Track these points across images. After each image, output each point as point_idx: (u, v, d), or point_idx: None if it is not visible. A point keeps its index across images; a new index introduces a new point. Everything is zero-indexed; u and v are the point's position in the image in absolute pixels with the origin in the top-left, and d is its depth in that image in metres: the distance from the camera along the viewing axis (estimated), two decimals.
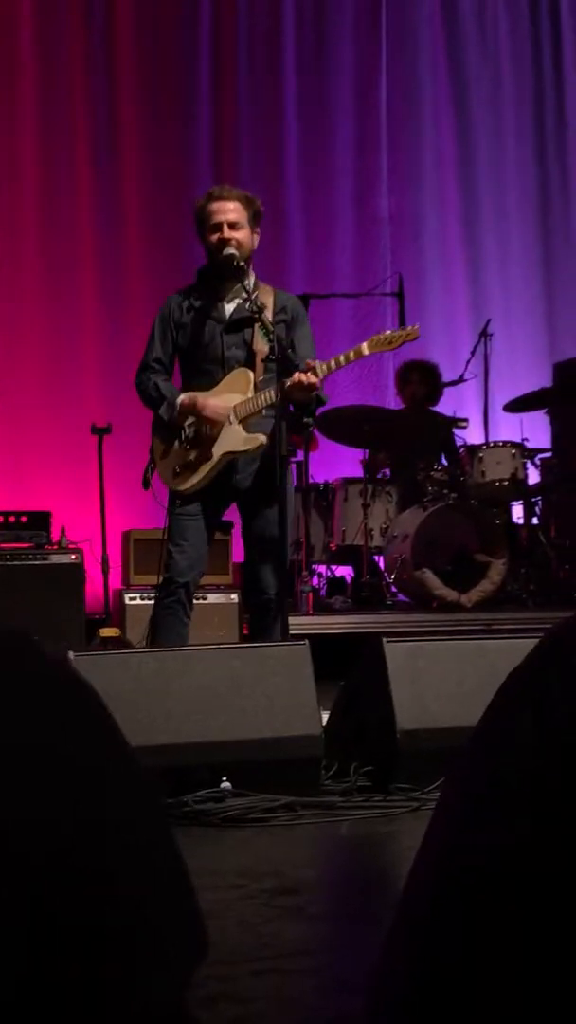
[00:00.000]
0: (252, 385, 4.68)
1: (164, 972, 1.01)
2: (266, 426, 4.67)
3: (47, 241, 8.59)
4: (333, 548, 7.61)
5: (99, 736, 1.14)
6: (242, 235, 4.72)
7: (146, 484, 4.88)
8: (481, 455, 7.43)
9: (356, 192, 9.36)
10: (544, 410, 7.98)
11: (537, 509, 7.79)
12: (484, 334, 8.05)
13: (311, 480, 7.49)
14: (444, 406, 7.99)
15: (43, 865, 0.97)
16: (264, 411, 4.66)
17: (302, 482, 7.22)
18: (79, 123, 8.74)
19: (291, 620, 4.81)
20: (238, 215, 4.71)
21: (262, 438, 4.66)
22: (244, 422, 4.69)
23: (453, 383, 7.92)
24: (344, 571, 7.84)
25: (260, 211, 4.79)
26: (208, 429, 4.73)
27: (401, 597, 7.42)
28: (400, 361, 8.03)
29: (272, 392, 4.58)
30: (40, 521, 7.20)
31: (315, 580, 7.46)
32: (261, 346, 4.70)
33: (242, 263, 4.69)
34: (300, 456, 7.06)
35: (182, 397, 4.78)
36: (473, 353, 8.01)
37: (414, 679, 3.96)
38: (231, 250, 4.68)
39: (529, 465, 7.56)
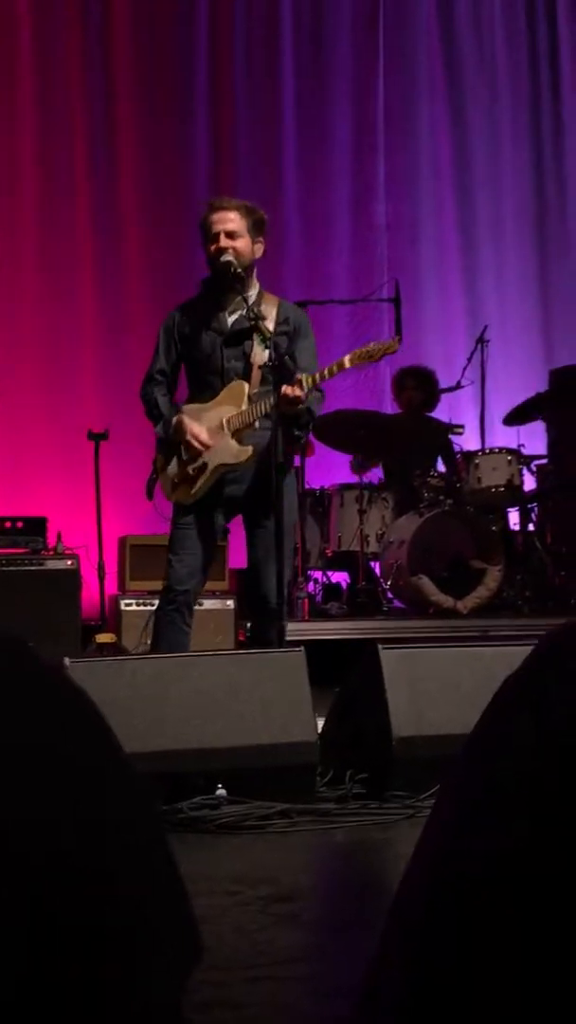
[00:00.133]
0: (246, 397, 4.71)
1: (163, 974, 1.02)
2: (261, 438, 4.69)
3: (44, 240, 8.59)
4: (329, 554, 7.61)
5: (95, 740, 1.14)
6: (240, 244, 4.73)
7: (149, 495, 4.93)
8: (477, 461, 7.43)
9: (353, 198, 9.37)
10: (539, 418, 7.98)
11: (533, 515, 7.79)
12: (481, 340, 8.05)
13: (307, 486, 7.49)
14: (440, 412, 8.00)
15: (43, 865, 0.97)
16: (258, 423, 4.68)
17: (298, 488, 7.22)
18: (77, 121, 8.73)
19: (287, 626, 4.82)
20: (236, 224, 4.73)
21: (250, 450, 4.70)
22: (237, 434, 4.72)
23: (450, 389, 7.93)
24: (340, 577, 7.84)
25: (262, 221, 4.80)
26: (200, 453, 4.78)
27: (397, 603, 7.42)
28: (397, 367, 8.03)
29: (265, 403, 4.63)
30: (36, 527, 7.20)
31: (311, 586, 7.46)
32: (259, 357, 4.72)
33: (240, 271, 4.70)
34: (297, 462, 7.06)
35: (177, 417, 4.82)
36: (470, 359, 8.01)
37: (410, 685, 3.97)
38: (228, 257, 4.70)
39: (525, 471, 7.56)
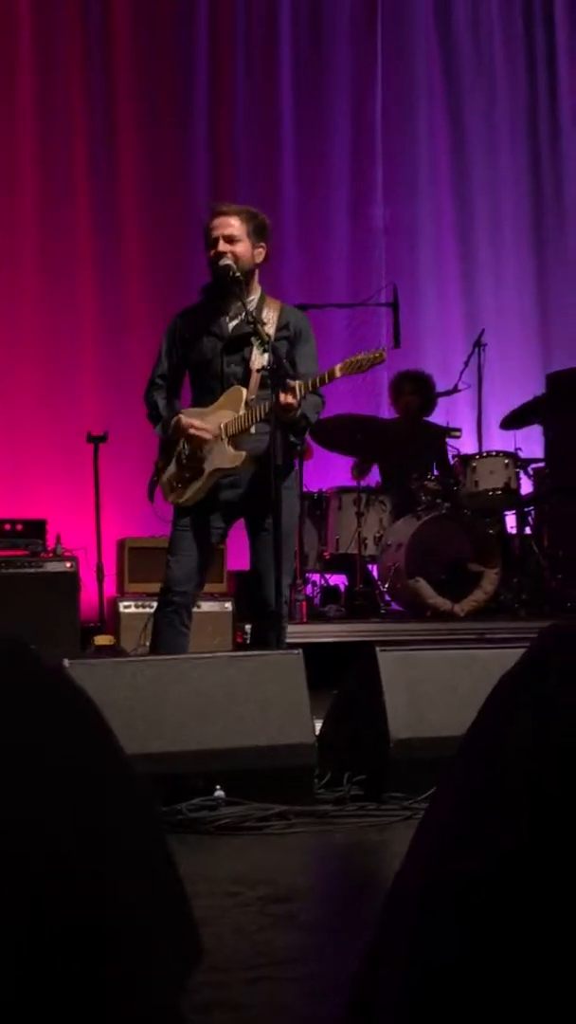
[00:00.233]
0: (244, 403, 4.73)
1: (163, 974, 1.03)
2: (260, 442, 4.70)
3: (44, 240, 8.58)
4: (327, 557, 7.62)
5: (95, 741, 1.15)
6: (240, 248, 4.74)
7: (150, 496, 4.96)
8: (474, 465, 7.44)
9: (351, 201, 9.38)
10: (537, 422, 8.00)
11: (530, 519, 7.80)
12: (478, 344, 8.06)
13: (305, 489, 7.50)
14: (438, 416, 8.01)
15: (43, 866, 0.98)
16: (254, 429, 4.70)
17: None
18: (77, 121, 8.73)
19: (287, 628, 4.85)
20: (236, 229, 4.74)
21: (244, 455, 4.72)
22: (233, 439, 4.74)
23: (447, 393, 7.94)
24: (338, 580, 7.85)
25: (264, 225, 4.81)
26: (201, 447, 4.79)
27: (395, 606, 7.43)
28: (394, 371, 8.04)
29: (261, 408, 4.65)
30: (35, 529, 7.21)
31: (309, 589, 7.47)
32: (258, 362, 4.73)
33: (239, 275, 4.71)
34: (296, 465, 7.07)
35: (175, 417, 4.84)
36: (467, 363, 8.02)
37: (407, 688, 3.98)
38: (226, 262, 4.72)
39: (522, 475, 7.57)
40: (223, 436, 4.76)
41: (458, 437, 7.74)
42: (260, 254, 4.81)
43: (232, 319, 4.81)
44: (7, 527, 7.16)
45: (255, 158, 9.15)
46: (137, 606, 7.10)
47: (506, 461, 7.44)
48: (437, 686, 3.99)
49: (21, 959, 0.95)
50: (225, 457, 4.77)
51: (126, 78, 8.88)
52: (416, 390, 7.91)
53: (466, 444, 7.98)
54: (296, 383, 4.57)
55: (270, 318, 4.78)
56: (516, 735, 0.99)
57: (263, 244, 4.81)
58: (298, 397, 4.56)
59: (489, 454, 7.55)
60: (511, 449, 7.61)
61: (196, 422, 4.80)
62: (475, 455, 7.56)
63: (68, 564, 6.97)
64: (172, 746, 3.72)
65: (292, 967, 2.39)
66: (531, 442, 8.07)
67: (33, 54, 8.67)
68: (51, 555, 7.05)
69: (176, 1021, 1.10)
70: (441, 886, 1.03)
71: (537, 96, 9.80)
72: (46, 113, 8.65)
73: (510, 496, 7.46)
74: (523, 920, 0.95)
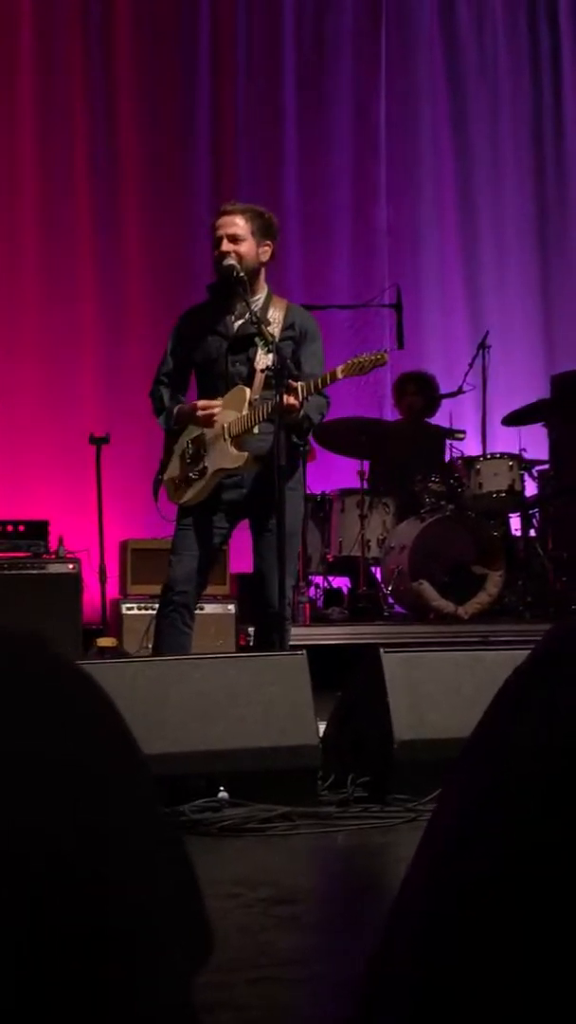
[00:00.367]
0: (247, 403, 4.72)
1: (170, 973, 1.01)
2: (264, 442, 4.69)
3: (44, 241, 8.59)
4: (330, 559, 7.62)
5: (105, 739, 1.14)
6: (244, 248, 4.73)
7: (155, 495, 4.96)
8: (478, 467, 7.43)
9: (355, 203, 9.37)
10: (541, 422, 7.99)
11: (534, 521, 7.79)
12: (482, 346, 8.05)
13: (308, 491, 7.50)
14: (442, 417, 8.00)
15: (43, 865, 0.97)
16: (257, 429, 4.69)
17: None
18: (77, 121, 8.73)
19: (290, 631, 4.84)
20: (240, 228, 4.73)
21: (246, 455, 4.71)
22: (236, 439, 4.73)
23: (451, 395, 7.94)
24: (341, 582, 7.84)
25: (270, 224, 4.79)
26: (205, 447, 4.78)
27: (398, 608, 7.42)
28: (398, 372, 8.04)
29: (264, 408, 4.64)
30: (38, 530, 7.20)
31: (312, 591, 7.46)
32: (262, 362, 4.72)
33: (242, 275, 4.70)
34: (300, 466, 7.07)
35: (178, 407, 4.84)
36: (471, 365, 8.01)
37: (411, 690, 3.97)
38: (229, 261, 4.70)
39: (526, 477, 7.56)
40: (226, 436, 4.75)
41: (462, 439, 7.73)
42: (266, 253, 4.79)
43: (237, 318, 4.80)
44: (9, 529, 7.16)
45: (257, 159, 9.14)
46: (140, 608, 7.09)
47: (510, 463, 7.43)
48: (441, 688, 3.98)
49: (21, 959, 0.94)
50: (228, 457, 4.76)
51: (126, 78, 8.88)
52: (419, 390, 7.91)
53: (470, 446, 7.98)
54: (298, 384, 4.56)
55: (276, 318, 4.77)
56: (522, 736, 0.99)
57: (269, 243, 4.79)
58: (300, 398, 4.55)
59: (493, 456, 7.55)
60: (516, 451, 7.60)
61: (201, 402, 4.79)
62: (479, 457, 7.56)
63: (70, 566, 6.96)
64: (175, 747, 3.72)
65: (295, 968, 2.38)
66: (535, 443, 8.06)
67: (33, 54, 8.67)
68: (53, 557, 7.04)
69: (185, 1020, 1.08)
70: (446, 887, 1.02)
71: (541, 98, 9.79)
72: (46, 113, 8.65)
73: (514, 498, 7.45)
74: (529, 922, 0.95)
